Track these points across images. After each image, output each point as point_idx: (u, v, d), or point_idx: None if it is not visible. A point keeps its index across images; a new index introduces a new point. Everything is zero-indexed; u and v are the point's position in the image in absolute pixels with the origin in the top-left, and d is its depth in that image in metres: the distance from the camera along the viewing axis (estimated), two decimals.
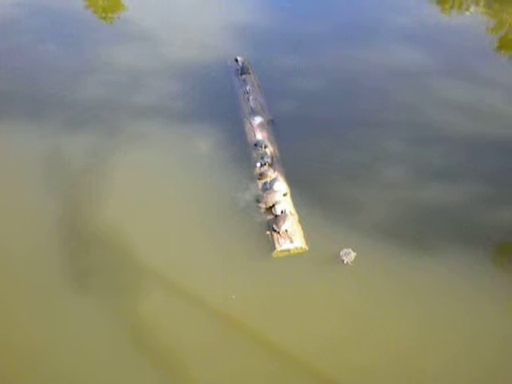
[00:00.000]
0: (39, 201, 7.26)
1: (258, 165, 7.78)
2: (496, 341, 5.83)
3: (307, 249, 6.72)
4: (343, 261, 6.50)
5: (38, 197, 7.32)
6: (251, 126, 8.52)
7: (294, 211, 7.19)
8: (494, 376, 5.55)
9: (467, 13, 13.26)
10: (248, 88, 9.31)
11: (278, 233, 6.80)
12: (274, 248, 6.72)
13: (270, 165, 7.78)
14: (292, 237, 6.77)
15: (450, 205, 7.37)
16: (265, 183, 7.50)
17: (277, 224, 6.88)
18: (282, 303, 6.15)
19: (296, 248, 6.71)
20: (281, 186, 7.41)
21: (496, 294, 6.27)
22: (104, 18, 12.34)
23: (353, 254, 6.54)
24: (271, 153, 8.01)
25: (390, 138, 8.57)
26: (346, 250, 6.58)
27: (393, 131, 8.75)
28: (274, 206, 7.12)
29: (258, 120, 8.59)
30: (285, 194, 7.32)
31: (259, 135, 8.33)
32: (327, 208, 7.22)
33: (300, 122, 8.83)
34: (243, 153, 8.12)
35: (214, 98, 9.36)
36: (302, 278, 6.42)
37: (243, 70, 9.74)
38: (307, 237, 6.85)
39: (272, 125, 8.66)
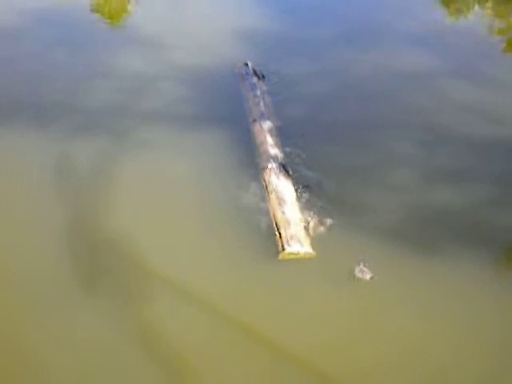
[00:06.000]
0: (47, 207, 7.27)
1: (270, 166, 7.74)
2: (500, 342, 5.85)
3: (314, 254, 6.69)
4: (357, 277, 6.43)
5: (46, 203, 7.32)
6: (261, 129, 8.50)
7: (301, 216, 7.16)
8: (497, 374, 5.56)
9: (473, 15, 13.23)
10: (257, 92, 9.33)
11: (288, 235, 6.79)
12: (280, 251, 6.71)
13: (283, 167, 7.79)
14: (301, 240, 6.75)
15: (462, 208, 7.36)
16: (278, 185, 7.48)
17: (288, 226, 6.86)
18: (288, 306, 6.16)
19: (304, 253, 6.67)
20: (294, 192, 7.42)
21: (506, 298, 6.26)
22: (110, 24, 12.39)
23: (367, 272, 6.45)
24: (281, 156, 8.03)
25: (399, 141, 8.57)
26: (359, 268, 6.48)
27: (402, 134, 8.74)
28: (286, 208, 7.10)
29: (266, 124, 8.58)
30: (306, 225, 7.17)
31: (268, 139, 8.31)
32: (335, 212, 7.18)
33: (308, 127, 8.79)
34: (250, 157, 8.12)
35: (220, 104, 9.35)
36: (308, 281, 6.43)
37: (255, 74, 9.78)
38: (313, 242, 6.82)
39: (278, 128, 8.64)
